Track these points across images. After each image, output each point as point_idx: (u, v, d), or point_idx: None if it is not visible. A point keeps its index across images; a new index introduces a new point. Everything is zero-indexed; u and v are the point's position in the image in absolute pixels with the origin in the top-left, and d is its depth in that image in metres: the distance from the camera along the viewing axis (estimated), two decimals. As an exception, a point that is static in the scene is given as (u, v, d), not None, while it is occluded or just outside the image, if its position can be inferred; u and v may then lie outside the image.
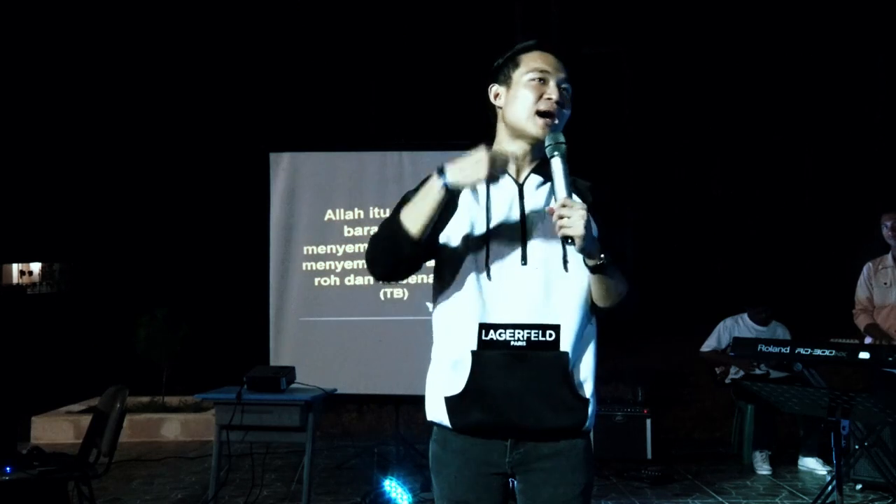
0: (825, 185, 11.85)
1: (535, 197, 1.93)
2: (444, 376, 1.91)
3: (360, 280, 5.64)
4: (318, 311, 5.67)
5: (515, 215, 1.91)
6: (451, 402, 1.89)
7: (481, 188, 1.91)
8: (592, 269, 1.84)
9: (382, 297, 5.61)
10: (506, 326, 1.85)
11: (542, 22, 11.33)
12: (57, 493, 3.73)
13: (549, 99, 1.90)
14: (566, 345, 1.86)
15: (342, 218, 5.69)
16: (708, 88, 12.02)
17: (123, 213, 11.08)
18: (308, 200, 5.74)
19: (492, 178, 1.82)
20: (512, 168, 1.95)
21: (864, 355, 4.23)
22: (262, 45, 11.22)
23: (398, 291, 5.61)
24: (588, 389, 1.89)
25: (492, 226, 1.90)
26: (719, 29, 11.78)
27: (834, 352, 4.31)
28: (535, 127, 1.90)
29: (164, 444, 6.59)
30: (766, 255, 11.54)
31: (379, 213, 5.65)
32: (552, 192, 1.88)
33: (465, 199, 1.92)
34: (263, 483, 5.03)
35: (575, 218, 1.75)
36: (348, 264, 5.65)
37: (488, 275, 1.87)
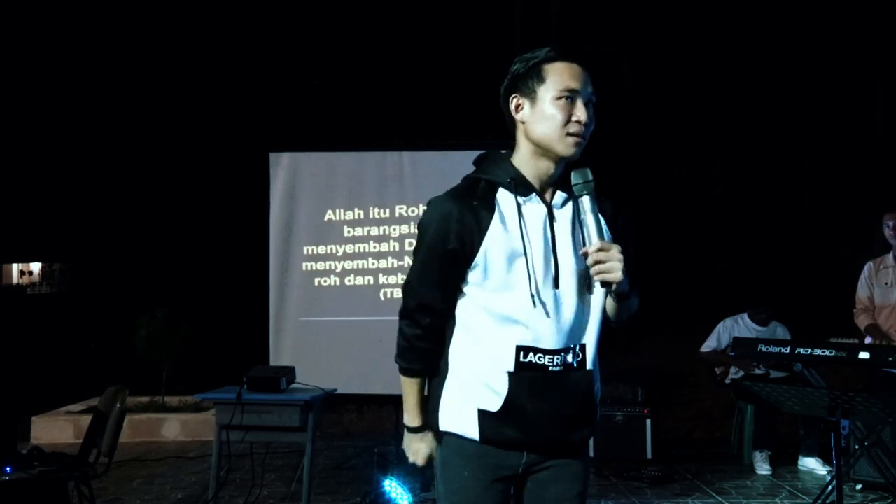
0: (825, 185, 11.85)
1: (562, 216, 1.92)
2: (477, 391, 1.88)
3: (360, 280, 5.64)
4: (318, 311, 5.67)
5: (547, 238, 1.88)
6: (485, 417, 1.87)
7: (512, 211, 1.87)
8: (618, 299, 1.89)
9: (382, 297, 5.62)
10: (544, 351, 1.85)
11: (542, 22, 11.33)
12: (57, 493, 3.73)
13: (577, 122, 1.85)
14: (590, 362, 1.90)
15: (342, 218, 5.69)
16: (708, 88, 12.02)
17: (123, 213, 11.07)
18: (308, 200, 5.74)
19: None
20: (537, 185, 1.91)
21: (864, 355, 4.23)
22: (262, 45, 11.22)
23: (398, 291, 5.59)
24: (598, 399, 1.98)
25: (530, 251, 1.86)
26: (719, 29, 11.78)
27: (834, 352, 4.31)
28: (566, 147, 1.86)
29: (164, 444, 6.59)
30: (766, 255, 11.53)
31: (379, 213, 5.65)
32: (576, 211, 1.89)
33: (495, 224, 1.86)
34: (263, 483, 5.03)
35: (613, 263, 1.77)
36: (348, 264, 5.65)
37: (533, 301, 1.84)
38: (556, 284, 1.86)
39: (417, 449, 2.02)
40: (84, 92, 10.95)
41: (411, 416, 2.00)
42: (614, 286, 1.79)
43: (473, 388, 1.88)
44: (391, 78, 11.62)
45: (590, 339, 1.91)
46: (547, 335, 1.85)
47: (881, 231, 5.05)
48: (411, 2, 11.43)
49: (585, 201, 1.83)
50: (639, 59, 12.11)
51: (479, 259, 1.85)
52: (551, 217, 1.90)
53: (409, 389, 1.99)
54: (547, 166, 1.90)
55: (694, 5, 11.61)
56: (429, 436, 1.99)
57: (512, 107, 1.92)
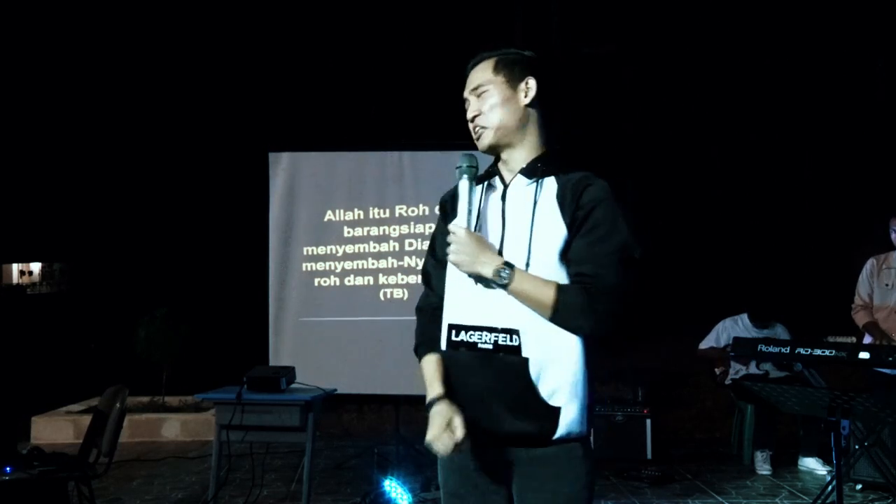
0: (825, 185, 11.86)
1: (517, 199, 1.93)
2: None
3: (359, 280, 5.64)
4: (318, 311, 5.68)
5: (498, 218, 1.93)
6: None
7: (476, 192, 1.97)
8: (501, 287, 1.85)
9: (382, 297, 5.62)
10: (474, 328, 1.85)
11: (543, 22, 11.33)
12: (57, 493, 3.73)
13: (470, 121, 1.99)
14: (529, 350, 1.82)
15: (342, 218, 5.69)
16: (708, 89, 12.02)
17: (123, 213, 11.07)
18: (308, 200, 5.74)
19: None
20: (504, 171, 1.99)
21: (863, 355, 4.22)
22: (261, 45, 11.22)
23: (398, 291, 5.61)
24: (561, 398, 1.83)
25: (476, 229, 1.93)
26: (720, 30, 11.78)
27: (834, 352, 4.30)
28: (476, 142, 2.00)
29: (164, 444, 6.59)
30: (765, 255, 11.54)
31: (379, 213, 5.65)
32: (534, 197, 1.90)
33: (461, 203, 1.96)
34: (263, 483, 5.04)
35: (453, 245, 1.86)
36: (348, 264, 5.66)
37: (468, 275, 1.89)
38: None
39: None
40: (84, 92, 10.96)
41: None
42: (460, 268, 1.86)
43: None
44: (391, 78, 11.62)
45: (528, 326, 1.82)
46: (478, 312, 1.86)
47: (882, 232, 5.02)
48: (411, 2, 11.43)
49: (462, 184, 1.92)
50: (639, 59, 12.11)
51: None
52: (504, 198, 1.95)
53: None
54: (495, 160, 2.02)
55: (695, 6, 11.62)
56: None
57: None
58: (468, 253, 1.84)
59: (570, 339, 1.83)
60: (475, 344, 1.85)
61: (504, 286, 1.82)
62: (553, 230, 1.84)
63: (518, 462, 1.87)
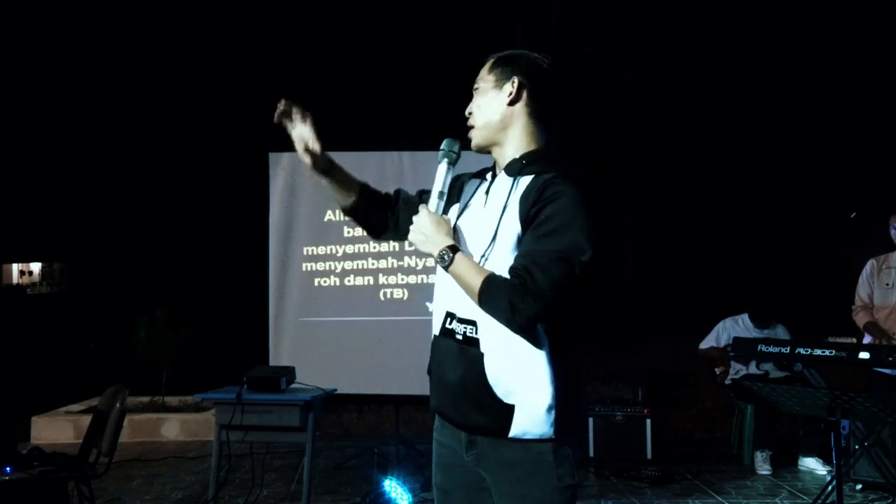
0: (825, 185, 11.86)
1: (497, 194, 1.93)
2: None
3: (359, 280, 5.64)
4: (318, 311, 5.68)
5: (480, 211, 1.96)
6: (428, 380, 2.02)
7: (471, 184, 2.04)
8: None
9: (382, 297, 5.62)
10: (459, 319, 1.89)
11: (543, 22, 11.33)
12: (57, 493, 3.72)
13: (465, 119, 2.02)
14: (486, 345, 1.83)
15: (342, 218, 5.69)
16: (708, 89, 12.02)
17: (123, 213, 11.07)
18: (308, 200, 5.74)
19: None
20: (497, 168, 2.01)
21: (864, 355, 4.22)
22: (262, 46, 11.22)
23: (398, 291, 5.61)
24: (517, 397, 1.80)
25: (461, 219, 1.98)
26: (720, 30, 11.79)
27: (834, 352, 4.30)
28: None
29: (164, 444, 6.59)
30: (766, 255, 11.54)
31: (379, 213, 5.64)
32: (508, 193, 1.92)
33: (463, 192, 2.04)
34: (263, 483, 5.04)
35: (414, 225, 1.91)
36: (348, 264, 5.66)
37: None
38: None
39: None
40: (84, 92, 10.96)
41: None
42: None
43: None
44: (391, 78, 11.62)
45: (483, 317, 1.82)
46: (450, 300, 1.91)
47: (882, 232, 5.02)
48: (412, 2, 11.44)
49: (440, 167, 1.96)
50: (639, 59, 12.11)
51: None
52: (488, 192, 1.97)
53: None
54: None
55: (695, 6, 11.62)
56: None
57: None
58: (424, 233, 1.89)
59: (532, 338, 1.80)
60: (454, 333, 1.90)
61: (445, 268, 1.86)
62: (512, 226, 1.84)
63: (491, 465, 1.87)
